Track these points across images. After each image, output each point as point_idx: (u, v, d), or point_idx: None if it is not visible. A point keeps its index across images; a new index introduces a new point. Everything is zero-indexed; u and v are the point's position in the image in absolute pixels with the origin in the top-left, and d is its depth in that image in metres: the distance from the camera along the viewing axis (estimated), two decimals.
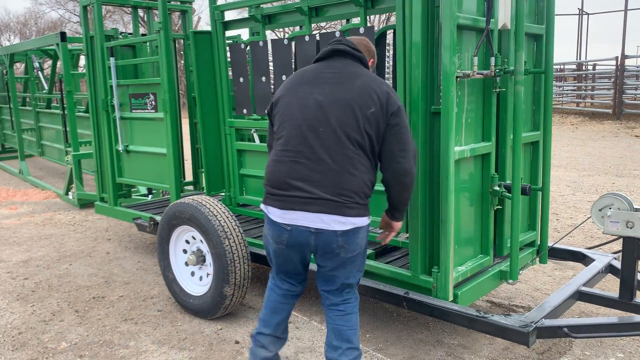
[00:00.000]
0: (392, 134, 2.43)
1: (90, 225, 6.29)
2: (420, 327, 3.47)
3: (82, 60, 5.40)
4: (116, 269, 4.73)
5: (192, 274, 3.74)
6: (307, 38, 3.57)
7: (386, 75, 4.69)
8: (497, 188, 3.02)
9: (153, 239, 5.50)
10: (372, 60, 2.73)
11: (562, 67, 22.40)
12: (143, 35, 5.76)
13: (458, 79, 2.72)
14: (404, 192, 2.53)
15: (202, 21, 29.84)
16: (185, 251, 3.76)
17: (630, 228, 2.78)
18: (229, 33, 4.41)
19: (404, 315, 3.64)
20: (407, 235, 3.13)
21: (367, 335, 3.38)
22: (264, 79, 3.90)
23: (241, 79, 4.06)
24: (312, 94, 2.46)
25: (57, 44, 7.01)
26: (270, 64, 3.89)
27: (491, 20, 2.82)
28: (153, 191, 6.16)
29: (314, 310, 3.78)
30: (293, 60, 3.78)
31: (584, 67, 20.83)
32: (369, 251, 3.27)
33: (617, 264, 3.35)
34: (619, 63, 15.79)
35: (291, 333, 3.42)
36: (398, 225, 2.69)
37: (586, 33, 25.87)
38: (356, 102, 2.41)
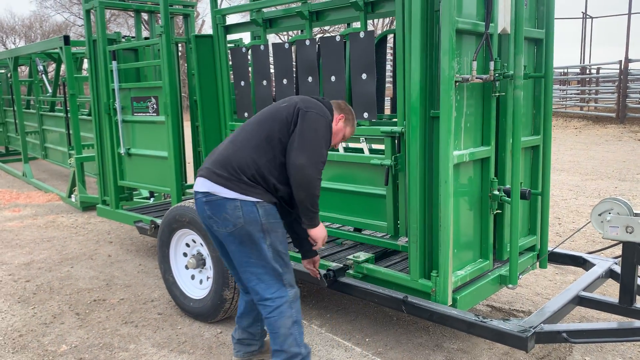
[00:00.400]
0: (295, 132, 2.63)
1: (93, 228, 6.31)
2: (420, 331, 3.47)
3: (86, 64, 5.43)
4: (117, 272, 4.74)
5: (193, 277, 3.75)
6: (307, 42, 3.59)
7: (387, 79, 4.68)
8: (496, 192, 3.02)
9: (154, 242, 5.52)
10: (342, 115, 2.87)
11: (565, 70, 22.36)
12: (146, 38, 5.79)
13: (457, 84, 2.72)
14: (298, 191, 2.62)
15: (207, 24, 29.94)
16: (185, 254, 3.77)
17: (630, 233, 2.77)
18: (230, 37, 4.42)
19: (403, 319, 3.64)
20: (407, 239, 3.13)
21: (367, 340, 3.37)
22: (265, 82, 3.91)
23: (242, 83, 4.07)
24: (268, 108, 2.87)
25: (61, 48, 7.04)
26: (272, 67, 3.91)
27: (491, 24, 2.83)
28: (155, 194, 6.18)
29: (313, 313, 3.78)
30: (294, 64, 3.79)
31: (587, 70, 20.78)
32: (368, 255, 3.28)
33: (618, 269, 3.33)
34: (622, 67, 15.75)
35: None
36: (313, 233, 2.76)
37: (590, 37, 25.76)
38: (285, 111, 2.71)
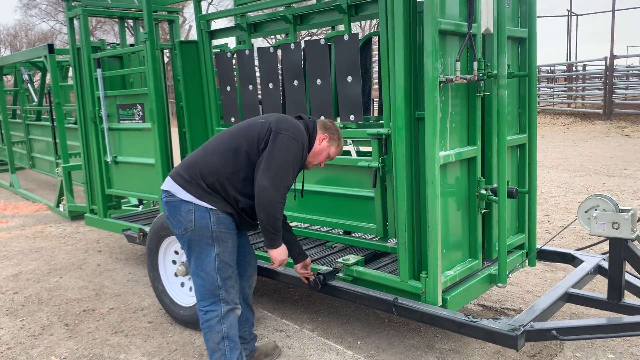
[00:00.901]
0: (264, 153, 2.67)
1: (81, 237, 6.26)
2: (411, 333, 3.47)
3: (71, 72, 5.40)
4: (107, 281, 4.70)
5: (182, 284, 3.73)
6: (292, 46, 3.58)
7: (373, 82, 4.68)
8: (483, 192, 3.02)
9: (144, 250, 5.47)
10: (326, 135, 2.90)
11: (552, 68, 22.52)
12: (131, 45, 5.75)
13: (441, 84, 2.72)
14: (259, 211, 2.66)
15: (193, 30, 29.85)
16: (174, 262, 3.75)
17: (616, 229, 2.79)
18: (215, 42, 4.41)
19: (395, 321, 3.64)
20: (396, 241, 3.12)
21: (359, 342, 3.37)
22: (250, 87, 3.90)
23: (228, 88, 4.06)
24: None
25: (46, 56, 7.00)
26: (257, 71, 3.90)
27: (473, 24, 2.83)
28: (144, 202, 6.14)
29: (305, 318, 3.76)
30: (279, 68, 3.78)
31: (574, 67, 20.95)
32: (358, 258, 3.27)
33: (606, 265, 3.35)
34: (608, 63, 15.89)
35: (282, 342, 3.41)
36: (271, 254, 2.78)
37: (575, 34, 25.99)
38: (259, 127, 2.75)
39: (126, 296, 4.33)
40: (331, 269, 3.27)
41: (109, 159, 4.94)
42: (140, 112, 4.59)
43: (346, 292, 3.13)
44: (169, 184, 2.76)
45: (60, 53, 7.73)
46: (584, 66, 20.53)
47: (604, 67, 16.26)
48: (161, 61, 4.59)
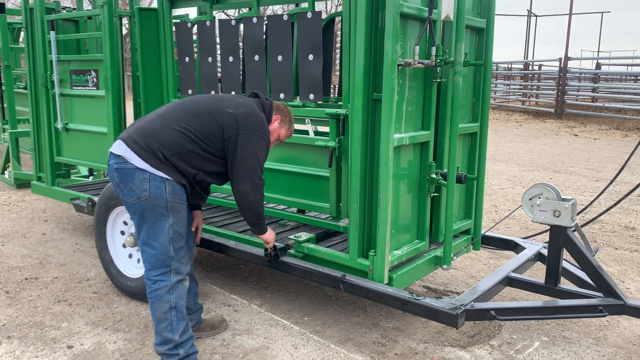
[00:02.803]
0: (236, 156, 2.71)
1: (27, 205, 6.06)
2: (357, 310, 3.54)
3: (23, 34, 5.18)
4: (52, 251, 4.59)
5: (130, 256, 3.67)
6: (255, 20, 3.55)
7: (336, 62, 4.70)
8: (434, 176, 3.10)
9: (92, 220, 5.35)
10: (277, 116, 2.99)
11: (510, 66, 23.09)
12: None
13: (400, 67, 2.77)
14: (245, 213, 2.84)
15: None
16: (122, 232, 3.69)
17: (557, 217, 2.92)
18: (176, 12, 4.32)
19: (342, 299, 3.70)
20: (348, 221, 3.17)
21: (305, 318, 3.42)
22: (210, 59, 3.85)
23: (187, 59, 3.99)
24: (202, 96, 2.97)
25: None
26: (218, 44, 3.85)
27: (434, 10, 2.88)
28: (94, 173, 5.98)
29: (254, 293, 3.78)
30: (240, 42, 3.75)
31: (530, 67, 21.54)
32: (309, 235, 3.30)
33: (546, 252, 3.50)
34: (562, 64, 16.41)
35: (229, 316, 3.42)
36: (263, 238, 3.02)
37: (534, 34, 26.73)
38: (226, 119, 2.73)
39: (72, 266, 4.24)
40: (282, 245, 3.29)
41: (59, 125, 4.79)
42: (95, 79, 4.46)
43: (296, 268, 3.17)
44: (122, 149, 2.65)
45: (11, 14, 7.39)
46: (540, 66, 21.15)
47: (558, 68, 16.79)
48: (119, 28, 4.46)
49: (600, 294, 2.90)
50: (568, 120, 16.05)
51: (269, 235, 3.02)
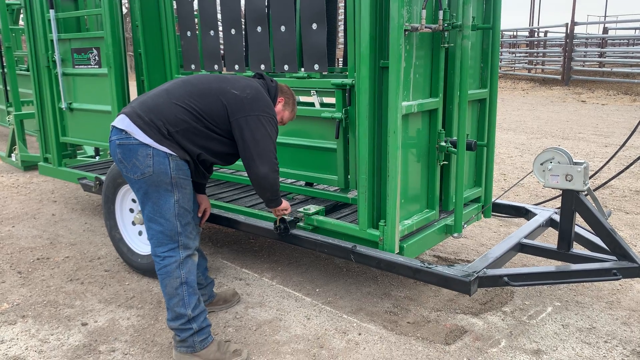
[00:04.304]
0: (248, 139, 2.67)
1: (35, 187, 6.08)
2: (368, 281, 3.54)
3: (23, 14, 5.13)
4: (62, 231, 4.60)
5: (140, 233, 3.68)
6: None
7: (339, 35, 4.63)
8: (443, 144, 3.06)
9: (100, 200, 5.37)
10: (282, 98, 2.98)
11: (515, 33, 22.73)
12: None
13: (406, 32, 2.70)
14: (264, 193, 2.85)
15: None
16: (132, 210, 3.68)
17: (569, 181, 2.88)
18: None
19: (353, 270, 3.70)
20: (356, 192, 3.15)
21: (317, 290, 3.42)
22: (212, 32, 3.79)
23: (189, 33, 3.93)
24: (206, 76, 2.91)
25: None
26: (219, 17, 3.78)
27: None
28: (100, 152, 5.97)
29: (265, 267, 3.79)
30: (242, 14, 3.68)
31: (536, 34, 21.20)
32: (318, 207, 3.29)
33: (558, 218, 3.47)
34: (568, 30, 16.13)
35: (241, 289, 3.43)
36: (280, 208, 3.02)
37: (539, 1, 26.29)
38: (233, 102, 2.69)
39: (82, 245, 4.26)
40: (292, 218, 3.28)
41: (63, 105, 4.76)
42: (97, 57, 4.41)
43: (306, 241, 3.16)
44: (126, 123, 2.59)
45: None
46: (546, 32, 20.79)
47: (564, 35, 16.51)
48: (119, 5, 4.39)
49: (614, 258, 2.88)
50: (575, 86, 15.85)
51: (285, 203, 3.02)
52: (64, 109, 4.78)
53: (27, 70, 6.96)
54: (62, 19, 4.72)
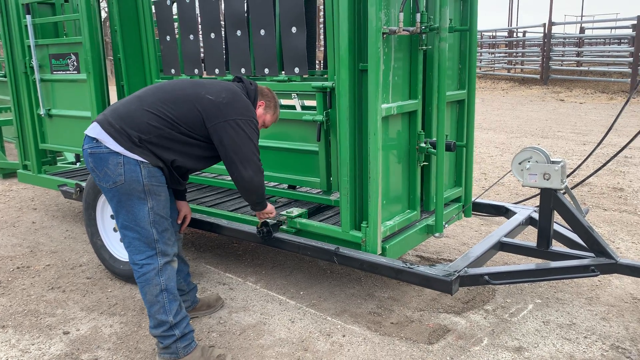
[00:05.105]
0: (230, 144, 2.63)
1: (15, 195, 6.00)
2: (352, 283, 3.56)
3: None
4: (42, 239, 4.55)
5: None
6: None
7: (320, 38, 4.63)
8: (423, 145, 3.09)
9: (81, 206, 5.31)
10: (262, 102, 2.93)
11: (494, 34, 22.99)
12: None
13: (384, 35, 2.73)
14: (250, 196, 2.84)
15: None
16: (113, 217, 3.66)
17: (547, 180, 2.93)
18: None
19: (337, 272, 3.72)
20: (338, 194, 3.16)
21: (301, 293, 3.43)
22: (192, 37, 3.78)
23: (168, 38, 3.92)
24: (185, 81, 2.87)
25: None
26: (199, 21, 3.77)
27: None
28: (81, 159, 5.91)
29: (248, 271, 3.79)
30: (222, 18, 3.68)
31: (514, 34, 21.47)
32: (301, 210, 3.30)
33: (537, 216, 3.53)
34: (546, 30, 16.37)
35: (225, 294, 3.42)
36: (266, 211, 2.99)
37: (517, 2, 26.71)
38: (209, 107, 2.65)
39: (63, 253, 4.21)
40: (275, 221, 3.28)
41: (42, 112, 4.71)
42: (75, 63, 4.37)
43: (290, 244, 3.16)
44: (97, 131, 2.56)
45: None
46: (524, 32, 21.07)
47: (542, 34, 16.75)
48: (97, 10, 4.36)
49: (592, 254, 2.93)
50: (554, 86, 16.09)
51: (270, 207, 3.00)
52: (43, 116, 4.73)
53: (4, 76, 6.87)
54: (40, 25, 4.67)
